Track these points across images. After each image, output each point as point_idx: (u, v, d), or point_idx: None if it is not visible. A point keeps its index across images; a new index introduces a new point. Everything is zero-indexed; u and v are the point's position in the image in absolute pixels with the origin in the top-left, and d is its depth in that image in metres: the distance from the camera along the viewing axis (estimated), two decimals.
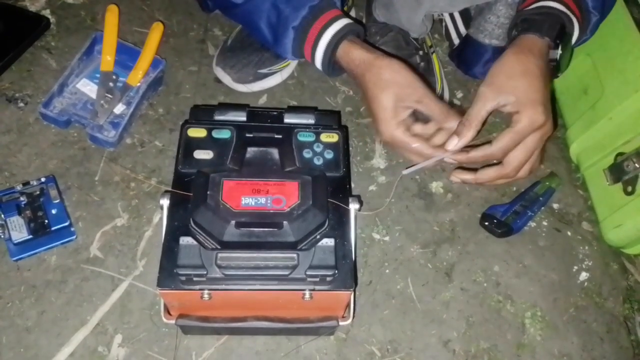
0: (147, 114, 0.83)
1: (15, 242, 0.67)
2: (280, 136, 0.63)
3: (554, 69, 0.64)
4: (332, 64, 0.68)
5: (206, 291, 0.54)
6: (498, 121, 0.89)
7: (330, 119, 0.67)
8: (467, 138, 0.61)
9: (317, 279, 0.54)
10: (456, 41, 0.95)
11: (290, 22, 0.66)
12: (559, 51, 0.62)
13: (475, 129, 0.61)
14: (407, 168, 0.65)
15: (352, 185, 0.72)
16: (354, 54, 0.65)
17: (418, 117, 0.66)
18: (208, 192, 0.55)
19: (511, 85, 0.59)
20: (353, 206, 0.60)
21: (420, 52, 0.87)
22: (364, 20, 0.96)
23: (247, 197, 0.56)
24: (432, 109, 0.63)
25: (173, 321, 0.60)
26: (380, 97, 0.62)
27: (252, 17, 0.70)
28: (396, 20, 0.86)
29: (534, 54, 0.61)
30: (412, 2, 0.81)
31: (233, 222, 0.54)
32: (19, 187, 0.71)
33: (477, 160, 0.63)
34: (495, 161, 0.64)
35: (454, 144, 0.61)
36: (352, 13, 0.98)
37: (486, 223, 0.78)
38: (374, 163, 0.83)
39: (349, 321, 0.62)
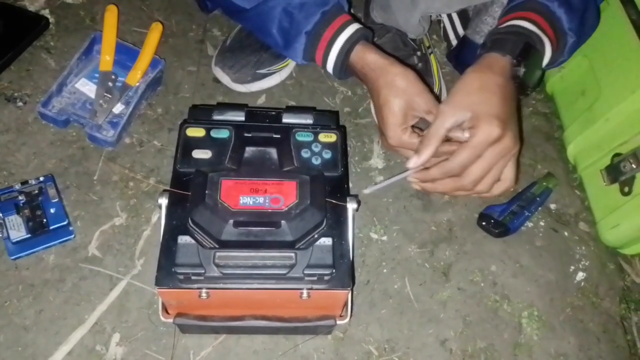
0: (146, 114, 0.83)
1: (14, 241, 0.67)
2: (278, 136, 0.63)
3: (520, 86, 0.63)
4: (345, 68, 0.69)
5: (204, 290, 0.54)
6: None
7: (328, 119, 0.67)
8: (425, 156, 0.61)
9: (315, 278, 0.54)
10: (454, 42, 0.95)
11: (303, 27, 0.67)
12: (522, 69, 0.61)
13: (433, 146, 0.60)
14: (368, 187, 0.68)
15: (350, 185, 0.73)
16: (368, 59, 0.66)
17: (421, 125, 0.68)
18: (206, 192, 0.55)
19: (468, 101, 0.59)
20: (351, 206, 0.60)
21: (418, 53, 0.88)
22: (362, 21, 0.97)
23: (245, 196, 0.56)
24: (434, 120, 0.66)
25: (171, 320, 0.60)
26: (393, 102, 0.64)
27: (262, 21, 0.71)
28: (393, 22, 0.86)
29: (494, 71, 0.61)
30: (408, 4, 0.81)
31: (231, 221, 0.54)
32: (17, 186, 0.71)
33: (436, 177, 0.63)
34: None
35: (413, 162, 0.61)
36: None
37: (483, 223, 0.78)
38: (372, 163, 0.84)
39: (347, 320, 0.63)
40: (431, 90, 0.66)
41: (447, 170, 0.61)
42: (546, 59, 0.65)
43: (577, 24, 0.65)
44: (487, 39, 0.66)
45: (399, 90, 0.64)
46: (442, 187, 0.64)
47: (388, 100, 0.64)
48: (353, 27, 0.67)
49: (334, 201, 0.59)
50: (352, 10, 0.97)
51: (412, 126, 0.67)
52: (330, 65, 0.70)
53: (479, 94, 0.59)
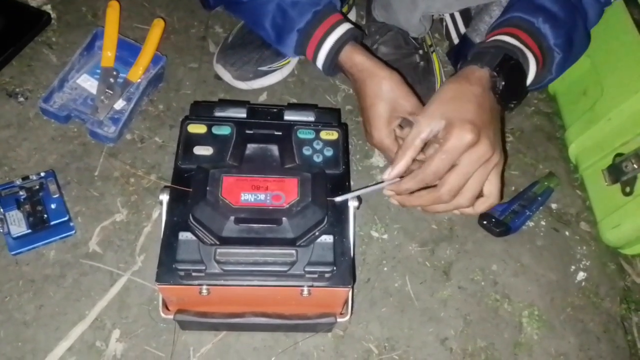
0: (147, 110, 0.83)
1: (14, 236, 0.67)
2: (280, 133, 0.63)
3: (501, 99, 0.62)
4: (334, 66, 0.71)
5: (205, 286, 0.54)
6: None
7: (330, 116, 0.67)
8: (400, 166, 0.60)
9: (316, 276, 0.54)
10: (456, 41, 0.95)
11: (295, 24, 0.69)
12: (502, 80, 0.60)
13: (408, 157, 0.59)
14: (338, 196, 0.61)
15: (352, 183, 0.72)
16: (356, 60, 0.68)
17: (403, 125, 0.70)
18: (207, 188, 0.55)
19: (442, 110, 0.58)
20: (352, 204, 0.60)
21: (420, 52, 0.87)
22: (363, 20, 0.97)
23: (246, 193, 0.56)
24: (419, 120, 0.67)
25: (171, 316, 0.60)
26: (378, 105, 0.67)
27: (256, 15, 0.72)
28: (394, 20, 0.86)
29: (470, 81, 0.60)
30: (409, 3, 0.81)
31: (232, 217, 0.54)
32: (18, 182, 0.71)
33: (410, 187, 0.60)
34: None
35: (388, 173, 0.61)
36: (353, 12, 0.98)
37: (484, 222, 0.78)
38: (374, 161, 0.84)
39: (347, 318, 0.62)
40: (416, 94, 0.68)
41: (420, 179, 0.59)
42: (531, 74, 0.64)
43: (564, 41, 0.64)
44: (469, 53, 0.65)
45: (384, 93, 0.66)
46: (418, 200, 0.61)
47: (374, 104, 0.67)
48: (343, 28, 0.69)
49: (334, 198, 0.59)
50: (354, 9, 0.98)
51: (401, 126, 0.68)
52: (320, 63, 0.71)
53: (453, 102, 0.58)
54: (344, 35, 0.68)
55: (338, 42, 0.68)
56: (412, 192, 0.62)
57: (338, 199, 0.60)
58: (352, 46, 0.69)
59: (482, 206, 0.62)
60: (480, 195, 0.62)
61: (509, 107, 0.64)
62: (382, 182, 0.62)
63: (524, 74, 0.63)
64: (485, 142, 0.57)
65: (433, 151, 0.60)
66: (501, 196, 0.64)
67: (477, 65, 0.61)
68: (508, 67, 0.61)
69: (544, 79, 0.67)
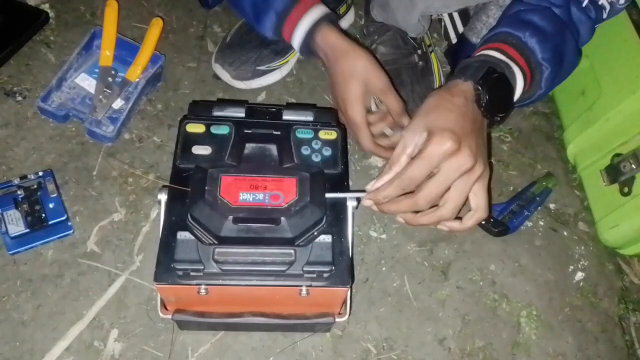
0: (146, 110, 0.83)
1: (12, 235, 0.67)
2: (278, 133, 0.63)
3: (486, 113, 0.61)
4: (309, 47, 0.72)
5: (203, 286, 0.54)
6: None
7: (328, 116, 0.67)
8: (383, 182, 0.59)
9: (314, 275, 0.54)
10: (454, 41, 0.95)
11: (273, 7, 0.71)
12: (485, 94, 0.59)
13: (393, 172, 0.58)
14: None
15: (350, 182, 0.72)
16: (331, 39, 0.70)
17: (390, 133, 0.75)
18: (206, 188, 0.55)
19: (424, 121, 0.58)
20: (350, 204, 0.60)
21: (419, 51, 0.87)
22: (362, 20, 0.97)
23: (245, 192, 0.56)
24: (391, 100, 0.72)
25: (169, 316, 0.60)
26: (353, 83, 0.70)
27: None
28: (393, 20, 0.86)
29: (452, 93, 0.59)
30: (407, 3, 0.81)
31: (231, 217, 0.54)
32: (16, 181, 0.71)
33: (388, 194, 0.58)
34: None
35: (371, 184, 0.60)
36: (351, 12, 0.98)
37: (483, 222, 0.78)
38: (372, 161, 0.84)
39: (345, 318, 0.62)
40: (388, 75, 0.72)
41: (397, 184, 0.57)
42: (519, 88, 0.63)
43: (552, 55, 0.64)
44: (456, 68, 0.65)
45: (359, 72, 0.69)
46: (396, 205, 0.60)
47: (348, 82, 0.70)
48: (319, 9, 0.71)
49: (333, 198, 0.59)
50: (353, 9, 0.98)
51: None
52: (296, 44, 0.73)
53: (435, 113, 0.58)
54: (320, 16, 0.70)
55: (314, 23, 0.70)
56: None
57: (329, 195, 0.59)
58: (327, 27, 0.70)
59: (470, 221, 0.61)
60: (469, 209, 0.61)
61: (495, 121, 0.63)
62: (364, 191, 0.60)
63: (510, 88, 0.62)
64: (465, 152, 0.55)
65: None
66: (490, 209, 0.63)
67: (461, 78, 0.60)
68: (492, 80, 0.60)
69: (534, 93, 0.66)
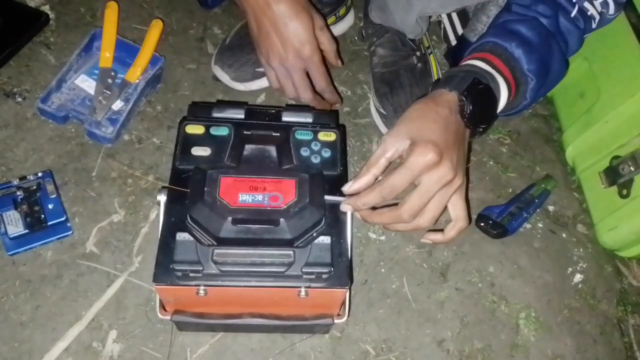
0: (145, 111, 0.83)
1: (11, 236, 0.67)
2: (278, 134, 0.63)
3: (469, 123, 0.61)
4: None
5: (202, 287, 0.54)
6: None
7: (328, 117, 0.67)
8: (362, 182, 0.58)
9: (313, 276, 0.54)
10: (454, 43, 0.95)
11: None
12: (470, 105, 0.60)
13: (371, 175, 0.58)
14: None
15: None
16: None
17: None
18: (205, 189, 0.55)
19: (408, 129, 0.58)
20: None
21: (418, 53, 0.88)
22: (361, 22, 0.97)
23: (244, 194, 0.56)
24: (325, 38, 0.74)
25: (168, 317, 0.60)
26: (303, 15, 0.69)
27: None
28: (391, 22, 0.86)
29: (437, 102, 0.60)
30: (405, 4, 0.81)
31: (230, 218, 0.54)
32: (15, 182, 0.71)
33: (368, 201, 0.58)
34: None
35: (347, 186, 0.59)
36: (351, 14, 0.98)
37: (482, 224, 0.78)
38: None
39: (344, 319, 0.62)
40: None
41: (377, 192, 0.57)
42: (503, 99, 0.63)
43: (537, 66, 0.64)
44: (442, 76, 0.65)
45: (306, 6, 0.70)
46: (379, 217, 0.60)
47: (298, 15, 0.69)
48: None
49: (332, 199, 0.59)
50: (352, 11, 0.98)
51: None
52: None
53: (419, 122, 0.58)
54: None
55: None
56: (374, 209, 0.61)
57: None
58: None
59: (452, 231, 0.62)
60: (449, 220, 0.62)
61: (478, 132, 0.63)
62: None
63: (494, 99, 0.62)
64: (446, 164, 0.56)
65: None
66: (470, 219, 0.64)
67: (446, 88, 0.61)
68: (476, 91, 0.60)
69: (519, 104, 0.66)
